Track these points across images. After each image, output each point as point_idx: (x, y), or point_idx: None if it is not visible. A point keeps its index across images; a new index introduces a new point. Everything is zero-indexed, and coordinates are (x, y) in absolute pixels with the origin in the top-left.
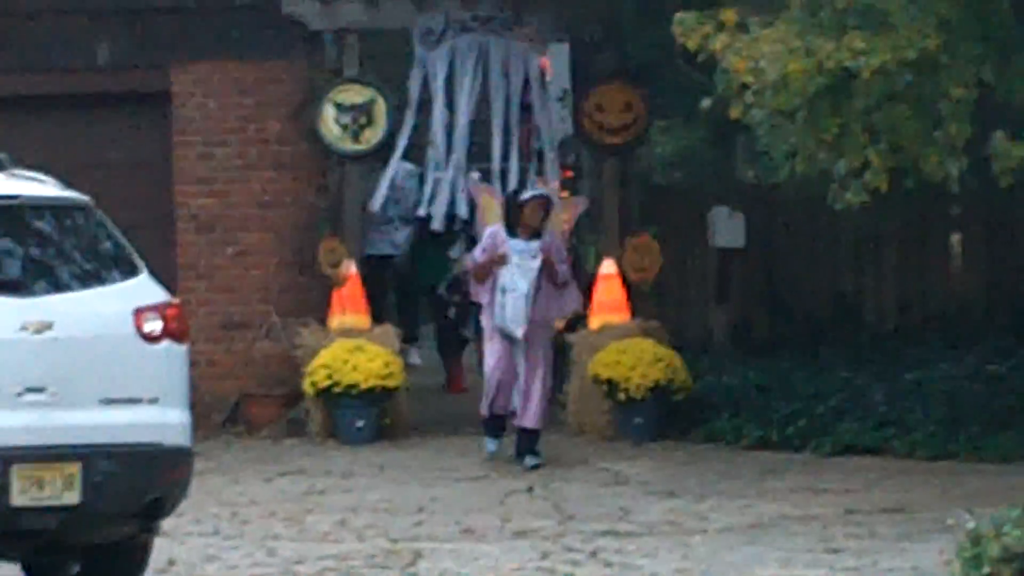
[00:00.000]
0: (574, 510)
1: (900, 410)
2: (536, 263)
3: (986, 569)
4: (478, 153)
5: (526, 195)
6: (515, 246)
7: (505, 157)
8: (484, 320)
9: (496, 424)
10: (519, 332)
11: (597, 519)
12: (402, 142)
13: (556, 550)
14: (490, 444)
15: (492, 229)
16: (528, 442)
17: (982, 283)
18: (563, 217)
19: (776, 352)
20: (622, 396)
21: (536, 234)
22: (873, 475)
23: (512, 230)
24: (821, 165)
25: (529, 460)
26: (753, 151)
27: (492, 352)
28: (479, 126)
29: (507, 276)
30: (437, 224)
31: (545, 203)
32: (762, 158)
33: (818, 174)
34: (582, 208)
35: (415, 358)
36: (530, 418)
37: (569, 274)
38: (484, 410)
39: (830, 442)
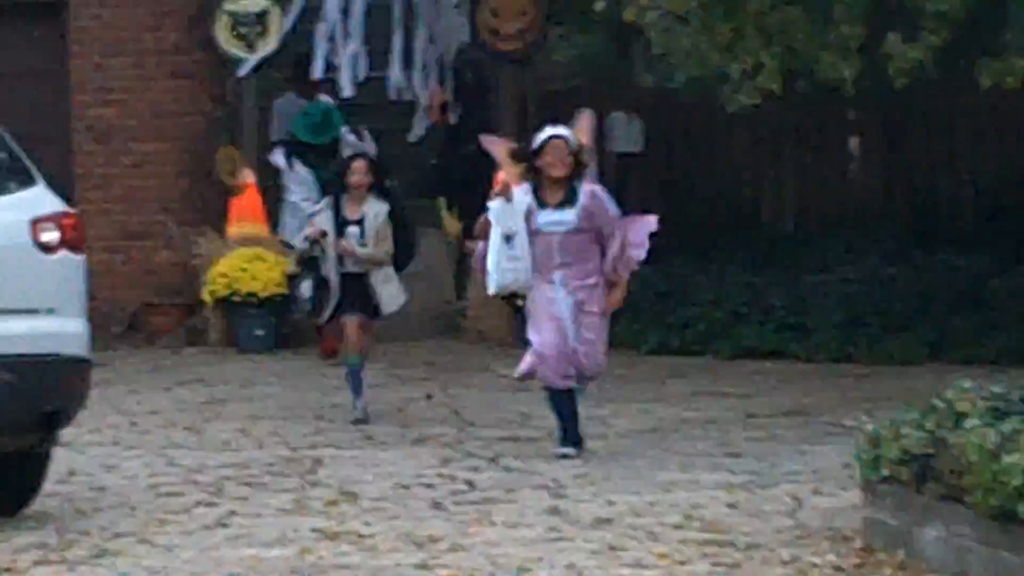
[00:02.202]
0: (474, 417)
1: (799, 314)
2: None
3: (885, 471)
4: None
5: (539, 138)
6: (543, 219)
7: (406, 66)
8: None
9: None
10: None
11: (497, 425)
12: (289, 23)
13: (456, 456)
14: (566, 448)
15: (518, 191)
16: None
17: (880, 185)
18: (580, 138)
19: (675, 257)
20: (521, 302)
21: (570, 195)
22: (773, 379)
23: (537, 192)
24: (716, 68)
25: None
26: (650, 56)
27: (540, 326)
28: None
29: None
30: (347, 91)
31: (565, 143)
32: (659, 62)
33: (713, 77)
34: (591, 118)
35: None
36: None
37: (619, 229)
38: (524, 370)
39: (729, 346)
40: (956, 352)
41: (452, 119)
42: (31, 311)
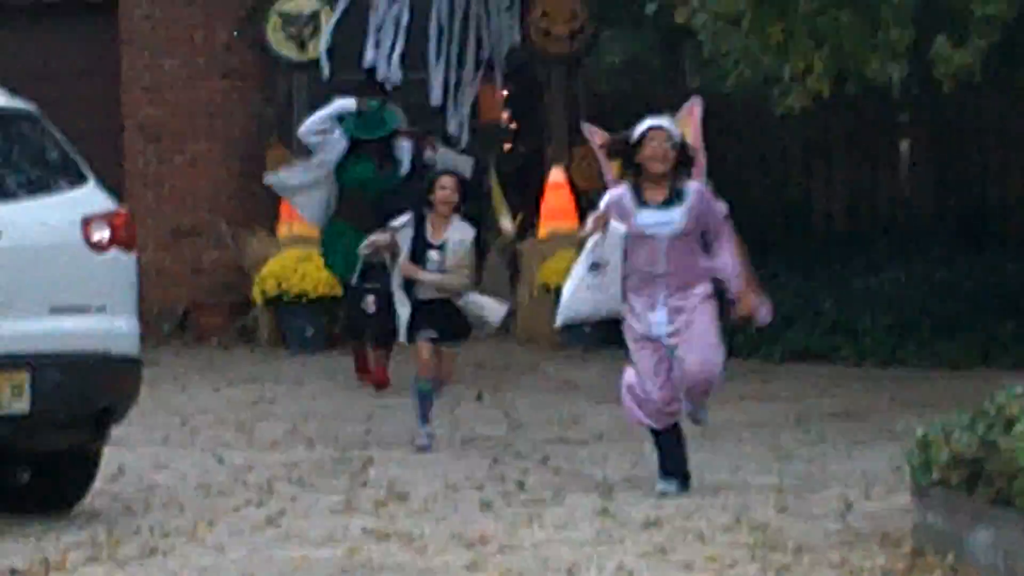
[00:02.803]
0: (524, 418)
1: (849, 316)
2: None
3: (935, 475)
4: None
5: (637, 129)
6: (645, 219)
7: (448, 65)
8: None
9: (671, 446)
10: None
11: (547, 426)
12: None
13: (506, 457)
14: (666, 484)
15: (615, 192)
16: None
17: (930, 189)
18: (686, 132)
19: None
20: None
21: (674, 193)
22: (823, 381)
23: (638, 190)
24: (766, 70)
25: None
26: (700, 58)
27: (641, 360)
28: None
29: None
30: (382, 72)
31: (665, 134)
32: (709, 64)
33: (763, 79)
34: (699, 110)
35: None
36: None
37: (727, 233)
38: (637, 417)
39: (780, 348)
40: (1006, 356)
41: (501, 121)
42: (82, 309)
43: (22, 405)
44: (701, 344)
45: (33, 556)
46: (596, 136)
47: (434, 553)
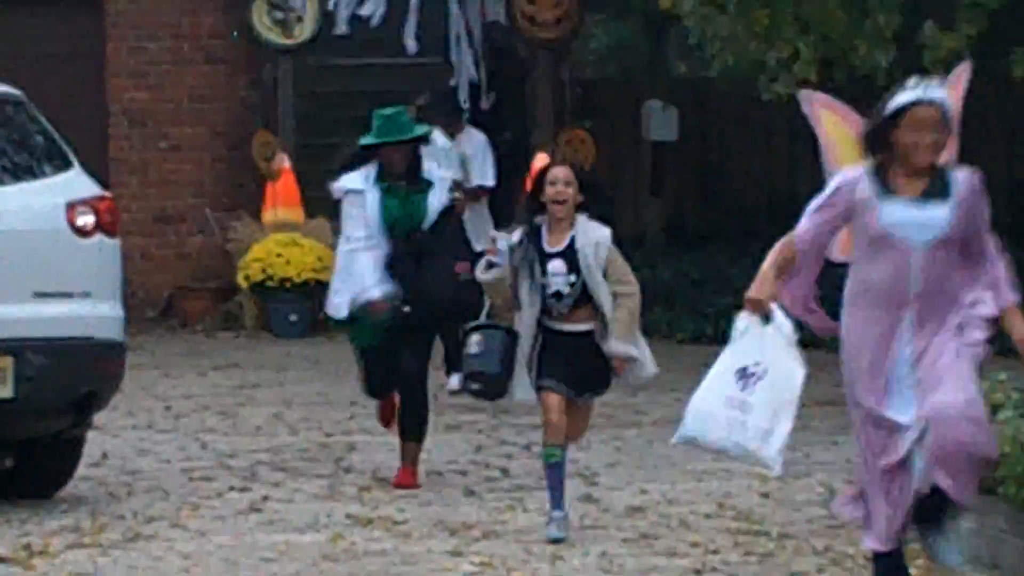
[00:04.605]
0: (507, 403)
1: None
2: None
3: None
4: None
5: (901, 98)
6: (894, 216)
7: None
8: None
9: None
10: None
11: (530, 413)
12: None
13: (490, 444)
14: None
15: (847, 176)
16: (936, 512)
17: None
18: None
19: (710, 245)
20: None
21: (937, 182)
22: (807, 368)
23: (882, 174)
24: (752, 56)
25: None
26: (686, 44)
27: (864, 439)
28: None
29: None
30: (411, 45)
31: (939, 112)
32: (695, 50)
33: (749, 65)
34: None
35: None
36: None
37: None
38: (870, 542)
39: None
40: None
41: (486, 105)
42: (66, 294)
43: (5, 390)
44: (955, 389)
45: (17, 542)
46: (826, 109)
47: (418, 539)
